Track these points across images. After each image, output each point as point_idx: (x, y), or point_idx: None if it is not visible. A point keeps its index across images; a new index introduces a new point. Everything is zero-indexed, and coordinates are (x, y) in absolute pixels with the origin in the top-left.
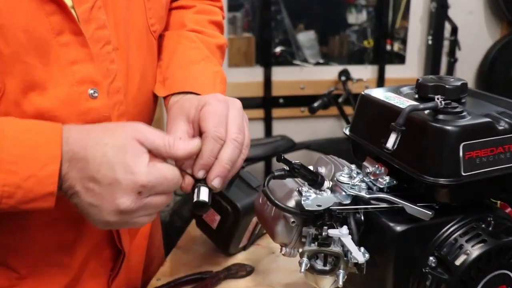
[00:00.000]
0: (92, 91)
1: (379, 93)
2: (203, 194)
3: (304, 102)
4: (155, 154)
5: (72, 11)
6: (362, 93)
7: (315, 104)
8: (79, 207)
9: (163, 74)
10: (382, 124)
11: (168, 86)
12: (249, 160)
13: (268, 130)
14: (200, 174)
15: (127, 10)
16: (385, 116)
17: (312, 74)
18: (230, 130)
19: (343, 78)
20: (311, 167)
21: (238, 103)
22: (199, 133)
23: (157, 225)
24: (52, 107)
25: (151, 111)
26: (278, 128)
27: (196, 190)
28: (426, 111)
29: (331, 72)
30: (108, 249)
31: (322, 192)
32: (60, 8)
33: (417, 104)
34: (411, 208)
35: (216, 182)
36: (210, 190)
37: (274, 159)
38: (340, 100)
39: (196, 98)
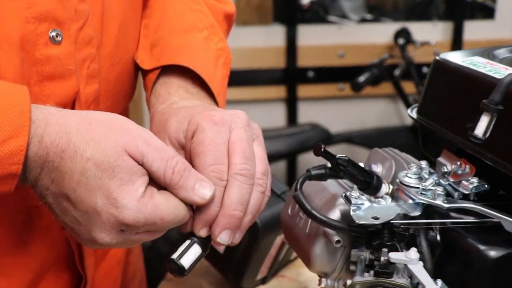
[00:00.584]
0: (54, 34)
1: (461, 58)
2: (188, 256)
3: (343, 76)
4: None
5: None
6: (437, 58)
7: (361, 79)
8: (52, 213)
9: (150, 37)
10: (468, 103)
11: (156, 55)
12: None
13: (291, 116)
14: (202, 232)
15: None
16: (472, 91)
17: (355, 36)
18: (233, 161)
19: (401, 41)
20: (362, 164)
21: (242, 119)
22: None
23: (136, 251)
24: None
25: (131, 81)
26: (306, 113)
27: (184, 245)
28: None
29: (383, 33)
30: (68, 272)
31: (379, 199)
32: None
33: None
34: (511, 223)
35: (223, 238)
36: (203, 255)
37: (300, 157)
38: (396, 72)
39: (186, 115)
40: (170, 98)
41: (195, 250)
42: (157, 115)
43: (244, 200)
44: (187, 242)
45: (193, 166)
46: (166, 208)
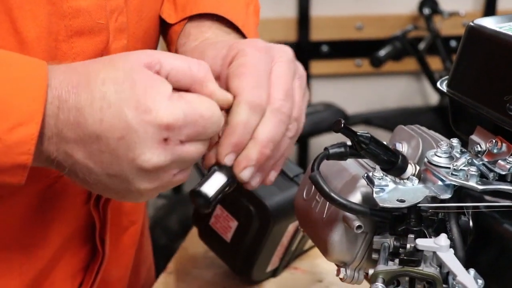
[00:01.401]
0: None
1: (499, 24)
2: (211, 184)
3: (361, 51)
4: (178, 87)
5: None
6: (471, 24)
7: (381, 53)
8: (87, 185)
9: None
10: (506, 73)
11: (181, 6)
12: None
13: None
14: (228, 159)
15: None
16: (510, 59)
17: (375, 6)
18: (273, 95)
19: (426, 11)
20: (386, 143)
21: (288, 53)
22: None
23: (147, 235)
24: (18, 1)
25: (157, 39)
26: (320, 92)
27: (206, 174)
28: None
29: (406, 2)
30: (87, 247)
31: (405, 180)
32: None
33: None
34: None
35: (246, 174)
36: (228, 183)
37: (313, 140)
38: (421, 46)
39: (225, 44)
40: (203, 35)
41: (219, 178)
42: (188, 53)
43: (276, 140)
44: (209, 173)
45: (229, 90)
46: (201, 104)
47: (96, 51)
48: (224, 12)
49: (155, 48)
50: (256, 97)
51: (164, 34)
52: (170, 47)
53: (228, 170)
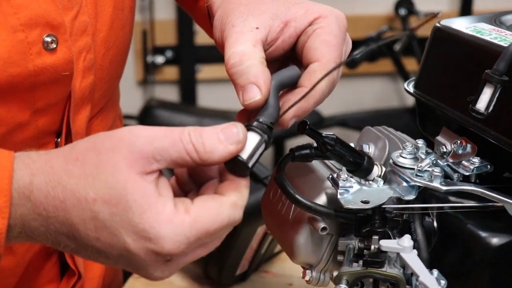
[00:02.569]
0: (48, 39)
1: (465, 25)
2: (248, 148)
3: None
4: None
5: None
6: (437, 25)
7: (356, 54)
8: None
9: None
10: (470, 74)
11: None
12: None
13: None
14: (292, 121)
15: None
16: (474, 61)
17: (350, 6)
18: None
19: (402, 12)
20: (352, 144)
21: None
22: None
23: None
24: None
25: (124, 62)
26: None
27: None
28: None
29: (382, 2)
30: (53, 264)
31: (370, 182)
32: None
33: None
34: None
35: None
36: (262, 140)
37: (288, 142)
38: (397, 47)
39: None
40: None
41: (251, 138)
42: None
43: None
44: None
45: (308, 47)
46: (207, 218)
47: (61, 95)
48: None
49: (122, 69)
50: (338, 74)
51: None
52: (198, 3)
53: (260, 127)
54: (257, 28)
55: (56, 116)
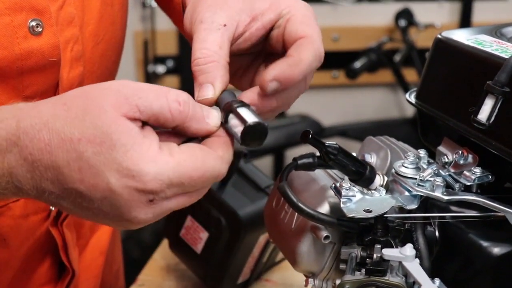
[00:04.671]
0: (34, 23)
1: (466, 36)
2: (247, 114)
3: (337, 62)
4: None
5: None
6: (439, 36)
7: (357, 65)
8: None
9: None
10: (471, 85)
11: None
12: (252, 153)
13: None
14: (272, 85)
15: None
16: (476, 72)
17: (351, 17)
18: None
19: (402, 23)
20: (354, 154)
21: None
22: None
23: (117, 239)
24: None
25: (116, 58)
26: (296, 103)
27: (231, 116)
28: None
29: (382, 14)
30: (52, 265)
31: (373, 191)
32: None
33: None
34: None
35: (274, 85)
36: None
37: (289, 152)
38: (397, 58)
39: None
40: None
41: (244, 110)
42: None
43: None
44: (227, 115)
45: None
46: (191, 164)
47: (49, 82)
48: None
49: (115, 66)
50: (322, 48)
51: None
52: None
53: (240, 103)
54: (224, 25)
55: None
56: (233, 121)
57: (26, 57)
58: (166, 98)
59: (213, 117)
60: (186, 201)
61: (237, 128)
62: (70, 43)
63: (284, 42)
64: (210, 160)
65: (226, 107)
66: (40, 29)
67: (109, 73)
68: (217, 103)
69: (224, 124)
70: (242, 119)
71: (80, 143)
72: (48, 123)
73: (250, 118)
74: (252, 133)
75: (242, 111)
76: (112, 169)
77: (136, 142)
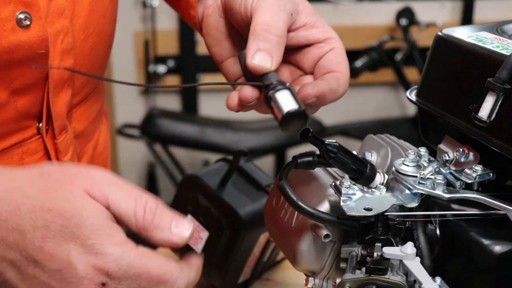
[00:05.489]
0: (22, 16)
1: (466, 34)
2: (288, 100)
3: None
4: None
5: None
6: (439, 33)
7: (358, 64)
8: None
9: None
10: (472, 82)
11: None
12: (253, 152)
13: None
14: (313, 100)
15: None
16: (476, 69)
17: (352, 16)
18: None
19: (403, 21)
20: (355, 152)
21: None
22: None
23: None
24: None
25: (106, 51)
26: None
27: (273, 98)
28: None
29: (383, 13)
30: None
31: (373, 189)
32: None
33: None
34: None
35: (313, 100)
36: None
37: (290, 151)
38: (398, 57)
39: None
40: None
41: (282, 95)
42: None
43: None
44: (282, 92)
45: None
46: (153, 260)
47: (36, 75)
48: None
49: (105, 60)
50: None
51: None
52: (189, 11)
53: (283, 85)
54: (291, 14)
55: (36, 98)
56: (274, 104)
57: (14, 50)
58: (135, 202)
59: (182, 228)
60: None
61: (277, 113)
62: (61, 35)
63: (319, 64)
64: (173, 265)
65: (271, 87)
66: (28, 22)
67: (99, 67)
68: (261, 79)
69: (266, 102)
70: (281, 105)
71: (50, 213)
72: (23, 188)
73: (289, 104)
74: (290, 119)
75: (284, 95)
76: (76, 243)
77: (105, 224)
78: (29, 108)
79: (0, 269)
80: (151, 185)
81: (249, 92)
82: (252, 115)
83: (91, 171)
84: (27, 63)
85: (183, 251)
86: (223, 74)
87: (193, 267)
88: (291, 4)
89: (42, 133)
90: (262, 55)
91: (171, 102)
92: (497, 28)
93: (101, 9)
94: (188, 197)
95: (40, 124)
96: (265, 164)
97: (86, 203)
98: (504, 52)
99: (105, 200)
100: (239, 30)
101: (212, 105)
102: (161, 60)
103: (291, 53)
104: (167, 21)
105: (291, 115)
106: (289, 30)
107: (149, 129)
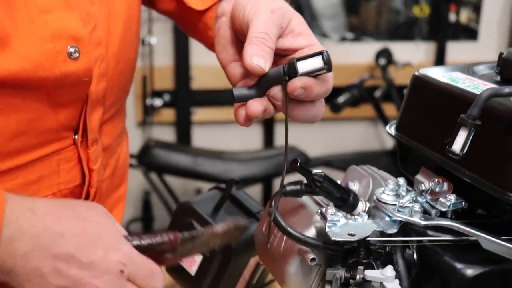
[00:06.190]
0: (72, 50)
1: (441, 74)
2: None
3: None
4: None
5: None
6: (416, 73)
7: (340, 100)
8: None
9: None
10: (446, 118)
11: None
12: (242, 181)
13: (268, 138)
14: (299, 91)
15: None
16: (450, 106)
17: (335, 55)
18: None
19: (382, 61)
20: (339, 182)
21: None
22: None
23: None
24: (21, 69)
25: (131, 76)
26: (283, 136)
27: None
28: None
29: (364, 53)
30: None
31: (356, 216)
32: None
33: (499, 88)
34: (489, 242)
35: (300, 92)
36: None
37: (277, 181)
38: (377, 94)
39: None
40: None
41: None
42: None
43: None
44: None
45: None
46: (150, 261)
47: (80, 95)
48: None
49: (130, 84)
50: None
51: (193, 24)
52: (208, 31)
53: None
54: (281, 27)
55: (75, 112)
56: (303, 65)
57: (64, 78)
58: (149, 268)
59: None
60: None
61: (314, 64)
62: (98, 61)
63: None
64: (159, 268)
65: (290, 60)
66: (77, 55)
67: (125, 89)
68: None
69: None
70: (311, 58)
71: (85, 221)
72: (59, 205)
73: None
74: (328, 60)
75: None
76: (105, 242)
77: (119, 230)
78: (69, 121)
79: (39, 265)
80: (146, 212)
81: (255, 107)
82: (240, 146)
83: (96, 204)
84: (72, 86)
85: (177, 272)
86: (227, 77)
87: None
88: (282, 18)
89: (77, 143)
90: (258, 59)
91: (167, 134)
92: (468, 69)
93: (129, 39)
94: (183, 222)
95: (76, 136)
96: (253, 193)
97: (106, 216)
98: (475, 91)
99: (125, 265)
100: (239, 37)
101: (204, 137)
102: (157, 94)
103: (277, 58)
104: (163, 58)
105: (327, 57)
106: (279, 37)
107: (146, 158)
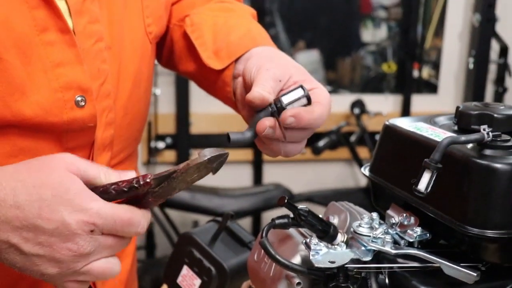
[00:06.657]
0: (79, 99)
1: (407, 124)
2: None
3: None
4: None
5: (59, 4)
6: (386, 123)
7: (320, 144)
8: (18, 264)
9: (210, 49)
10: (412, 162)
11: (226, 54)
12: (235, 214)
13: (257, 177)
14: (290, 120)
15: (124, 7)
16: (416, 152)
17: None
18: None
19: (356, 111)
20: (321, 216)
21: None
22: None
23: (134, 277)
24: (33, 115)
25: (141, 127)
26: (271, 174)
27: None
28: (469, 145)
29: (340, 104)
30: None
31: (335, 246)
32: (45, 2)
33: (457, 136)
34: (450, 268)
35: (291, 120)
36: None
37: (265, 214)
38: (352, 139)
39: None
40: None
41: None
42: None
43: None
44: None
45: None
46: (121, 208)
47: (86, 140)
48: (260, 43)
49: (139, 134)
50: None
51: (212, 82)
52: (225, 88)
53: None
54: (280, 80)
55: (83, 155)
56: (287, 98)
57: (71, 123)
58: (98, 168)
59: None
60: (114, 243)
61: (295, 94)
62: (105, 111)
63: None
64: (137, 212)
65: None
66: (83, 103)
67: (134, 138)
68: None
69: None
70: (292, 91)
71: (41, 188)
72: (12, 174)
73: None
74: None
75: (291, 93)
76: (66, 205)
77: (83, 188)
78: None
79: (6, 237)
80: (149, 240)
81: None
82: (232, 183)
83: (63, 156)
84: (80, 131)
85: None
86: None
87: (149, 212)
88: (279, 73)
89: None
90: (258, 90)
91: None
92: (430, 120)
93: (138, 95)
94: (184, 251)
95: None
96: (245, 225)
97: (67, 176)
98: (436, 138)
99: (78, 172)
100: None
101: None
102: (161, 137)
103: None
104: (166, 106)
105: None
106: (282, 89)
107: None
